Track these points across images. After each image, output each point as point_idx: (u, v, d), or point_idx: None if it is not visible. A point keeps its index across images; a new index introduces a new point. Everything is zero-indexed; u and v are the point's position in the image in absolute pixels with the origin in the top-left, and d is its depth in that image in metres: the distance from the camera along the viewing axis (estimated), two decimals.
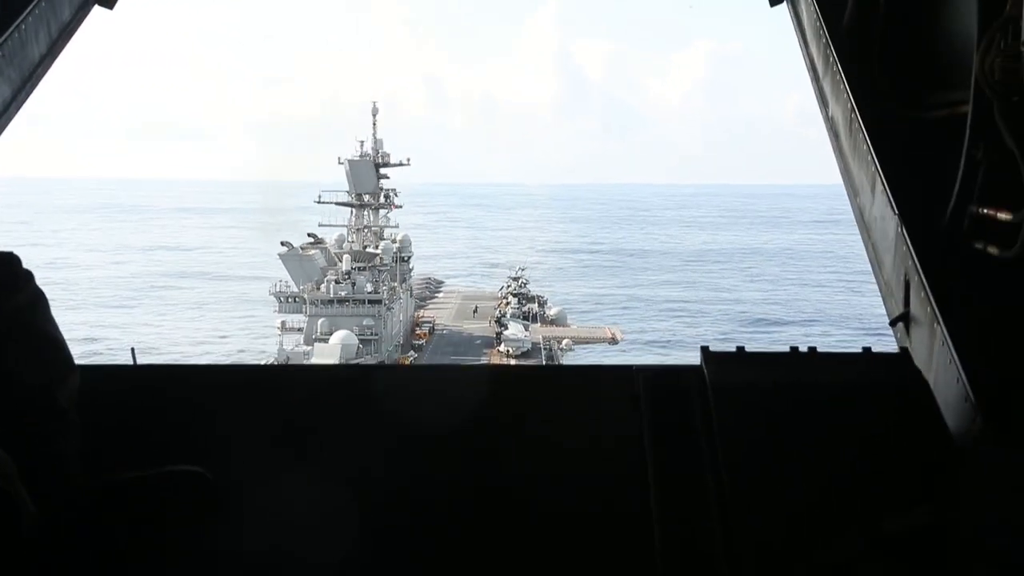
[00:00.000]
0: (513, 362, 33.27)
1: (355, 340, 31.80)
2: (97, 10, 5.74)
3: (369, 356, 31.74)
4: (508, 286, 45.77)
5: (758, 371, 3.40)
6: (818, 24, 5.02)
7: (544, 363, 33.55)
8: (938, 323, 3.42)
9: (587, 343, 38.80)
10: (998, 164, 3.30)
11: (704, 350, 3.43)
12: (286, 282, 35.06)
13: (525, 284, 45.48)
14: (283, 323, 34.52)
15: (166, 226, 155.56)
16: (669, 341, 58.90)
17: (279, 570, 2.99)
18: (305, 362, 30.21)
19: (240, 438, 3.28)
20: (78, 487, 2.65)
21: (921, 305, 3.63)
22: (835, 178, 5.02)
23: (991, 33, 3.18)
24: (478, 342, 37.32)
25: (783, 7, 5.96)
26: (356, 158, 38.53)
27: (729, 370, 3.35)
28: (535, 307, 40.67)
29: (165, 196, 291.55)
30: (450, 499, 3.19)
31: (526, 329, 36.74)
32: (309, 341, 32.52)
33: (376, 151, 38.94)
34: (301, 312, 33.88)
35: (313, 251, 35.18)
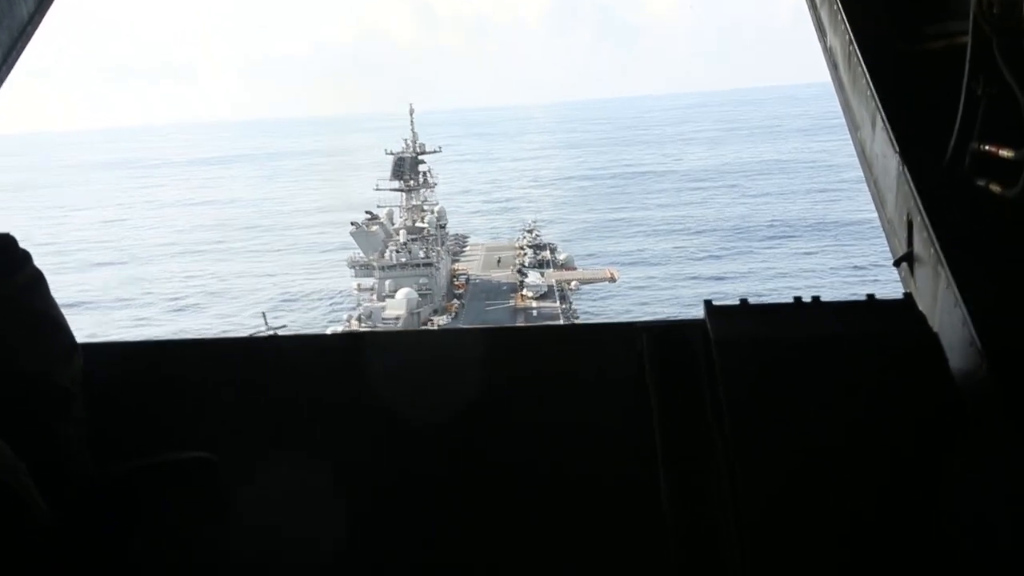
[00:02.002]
0: (534, 304, 43.64)
1: (416, 295, 42.11)
2: None
3: (426, 306, 42.12)
4: (523, 238, 55.83)
5: (762, 324, 3.29)
6: None
7: (557, 304, 43.74)
8: (942, 265, 3.36)
9: (591, 282, 49.10)
10: (998, 99, 3.25)
11: (707, 304, 3.34)
12: (357, 252, 45.72)
13: (538, 236, 55.52)
14: (359, 284, 45.17)
15: (214, 178, 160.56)
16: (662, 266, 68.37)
17: (286, 549, 3.06)
18: (382, 313, 40.73)
19: (241, 414, 3.29)
20: (86, 477, 2.57)
21: (924, 246, 3.57)
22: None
23: None
24: (504, 287, 47.42)
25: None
26: (401, 152, 49.05)
27: (732, 324, 3.24)
28: (547, 254, 50.86)
29: (178, 143, 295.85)
30: (451, 465, 3.21)
31: (542, 275, 46.88)
32: (380, 298, 42.92)
33: (415, 143, 49.41)
34: (372, 276, 44.42)
35: (375, 227, 45.41)
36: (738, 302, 3.39)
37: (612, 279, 48.52)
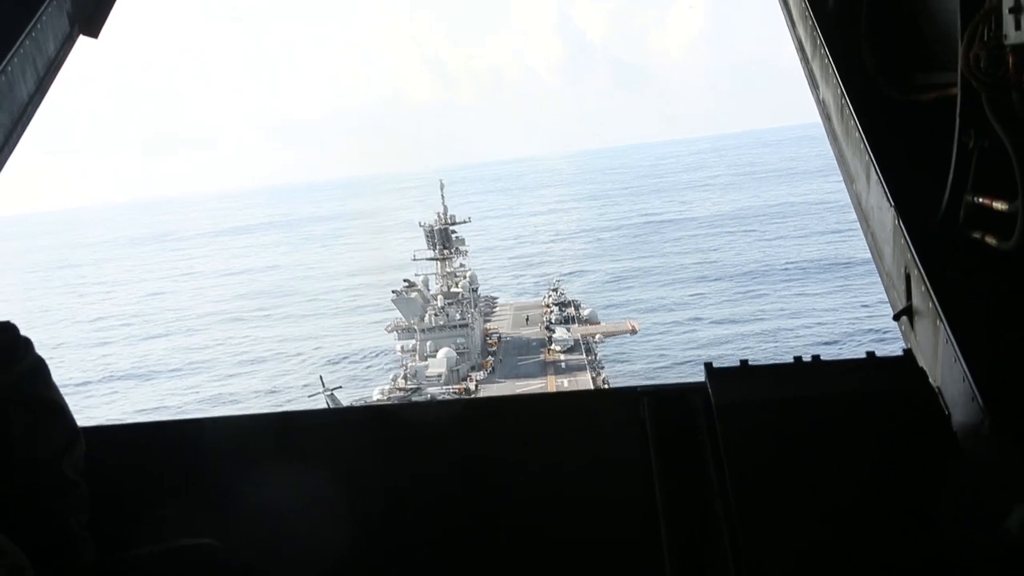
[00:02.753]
0: (563, 357, 47.66)
1: (454, 354, 46.39)
2: (83, 40, 5.72)
3: (464, 363, 46.38)
4: (549, 296, 60.14)
5: (762, 385, 3.31)
6: (803, 4, 4.97)
7: (584, 356, 47.65)
8: (940, 320, 3.35)
9: (613, 335, 53.21)
10: (990, 152, 3.28)
11: (708, 367, 3.38)
12: (398, 316, 50.36)
13: (562, 294, 59.85)
14: (402, 347, 49.62)
15: (247, 246, 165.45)
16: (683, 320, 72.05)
17: None
18: (426, 371, 44.96)
19: (246, 496, 3.24)
20: (89, 566, 2.54)
21: (923, 299, 3.56)
22: None
23: (974, 24, 3.12)
24: (534, 343, 51.53)
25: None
26: (435, 224, 54.04)
27: (733, 387, 3.26)
28: (572, 310, 55.10)
29: (206, 214, 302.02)
30: (459, 528, 3.24)
31: (568, 331, 50.99)
32: (423, 357, 47.20)
33: (446, 214, 54.38)
34: (413, 338, 48.90)
35: (413, 293, 49.94)
36: (738, 363, 3.39)
37: (633, 331, 52.76)
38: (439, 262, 53.43)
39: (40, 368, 2.58)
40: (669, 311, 74.10)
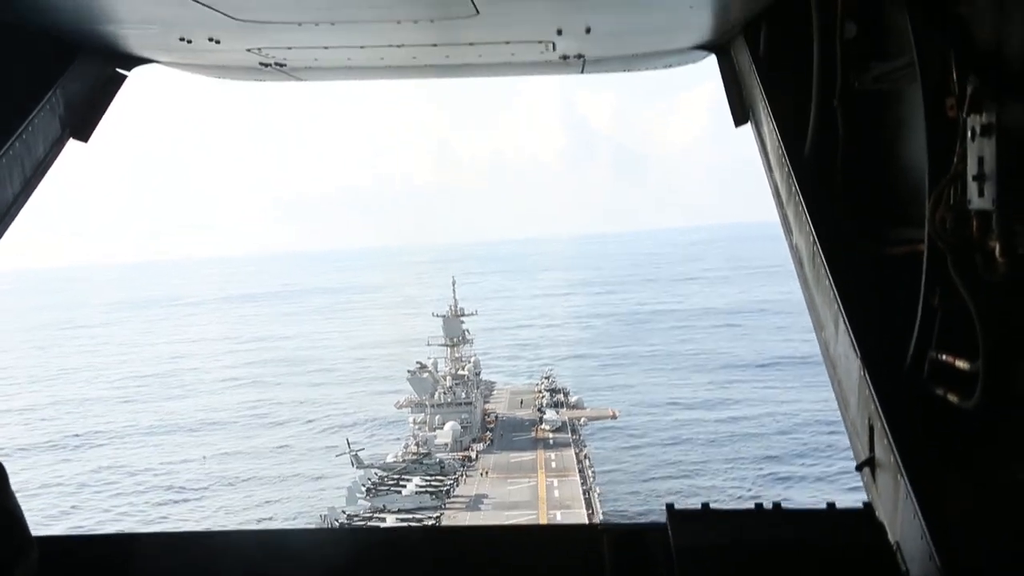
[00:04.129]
0: (551, 435, 54.89)
1: (459, 427, 53.60)
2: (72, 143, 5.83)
3: (466, 436, 53.77)
4: (542, 383, 67.75)
5: (723, 531, 3.31)
6: (780, 152, 5.07)
7: (569, 435, 54.83)
8: (901, 475, 3.34)
9: (597, 419, 60.60)
10: (955, 311, 3.27)
11: (669, 508, 3.39)
12: (410, 394, 58.15)
13: (553, 381, 67.49)
14: (413, 419, 57.14)
15: (251, 315, 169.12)
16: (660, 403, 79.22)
17: None
18: (435, 440, 52.18)
19: None
20: None
21: (885, 452, 3.56)
22: None
23: (941, 187, 3.18)
24: (527, 423, 58.51)
25: (748, 128, 6.08)
26: (447, 315, 62.22)
27: (694, 530, 3.26)
28: (561, 396, 62.48)
29: (206, 279, 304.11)
30: None
31: (557, 413, 58.30)
32: (431, 428, 54.55)
33: (456, 309, 62.57)
34: (423, 412, 56.51)
35: (425, 374, 57.65)
36: (699, 506, 3.42)
37: (614, 416, 60.11)
38: (449, 348, 61.38)
39: None
40: (648, 397, 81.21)
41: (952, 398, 3.36)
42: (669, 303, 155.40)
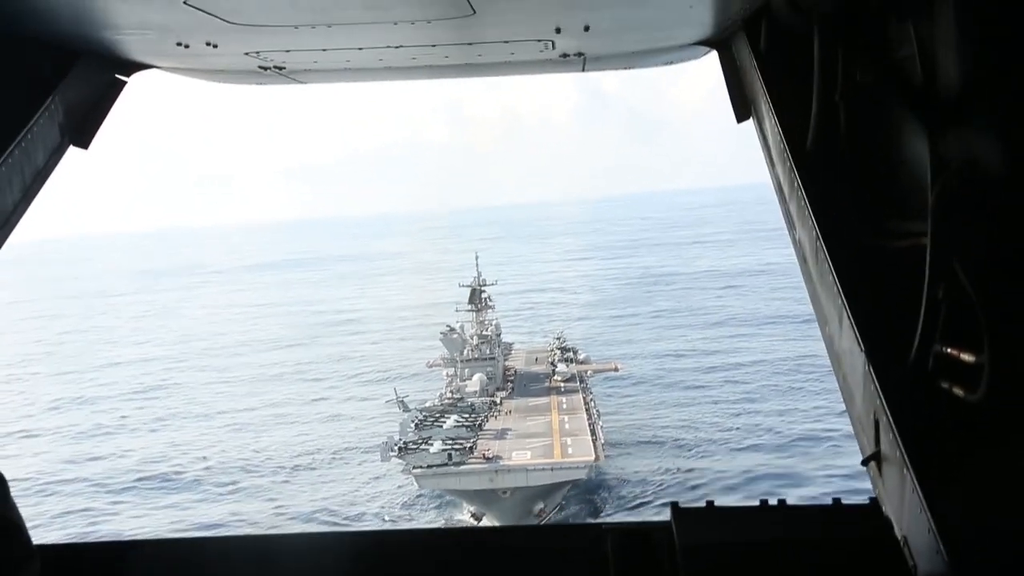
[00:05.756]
0: (562, 384, 64.59)
1: (485, 378, 62.85)
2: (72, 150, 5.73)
3: (491, 385, 63.63)
4: (554, 343, 77.49)
5: (728, 529, 3.34)
6: (783, 147, 5.02)
7: (577, 384, 64.57)
8: (907, 468, 3.33)
9: (601, 372, 70.44)
10: (959, 303, 3.28)
11: (674, 507, 3.39)
12: (442, 352, 68.27)
13: (564, 341, 77.24)
14: (446, 373, 66.94)
15: (282, 282, 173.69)
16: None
17: None
18: (465, 388, 62.09)
19: None
20: None
21: (891, 447, 3.54)
22: None
23: (944, 179, 3.19)
24: (541, 376, 67.64)
25: (750, 124, 6.03)
26: (472, 286, 72.22)
27: (699, 529, 3.28)
28: (571, 355, 72.14)
29: (229, 247, 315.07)
30: None
31: (567, 366, 68.15)
32: (462, 380, 64.11)
33: (479, 279, 72.53)
34: (453, 367, 66.38)
35: (455, 335, 67.47)
36: (704, 504, 3.43)
37: (615, 369, 69.95)
38: (474, 313, 71.52)
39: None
40: (653, 357, 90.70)
41: (958, 391, 3.33)
42: (676, 267, 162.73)
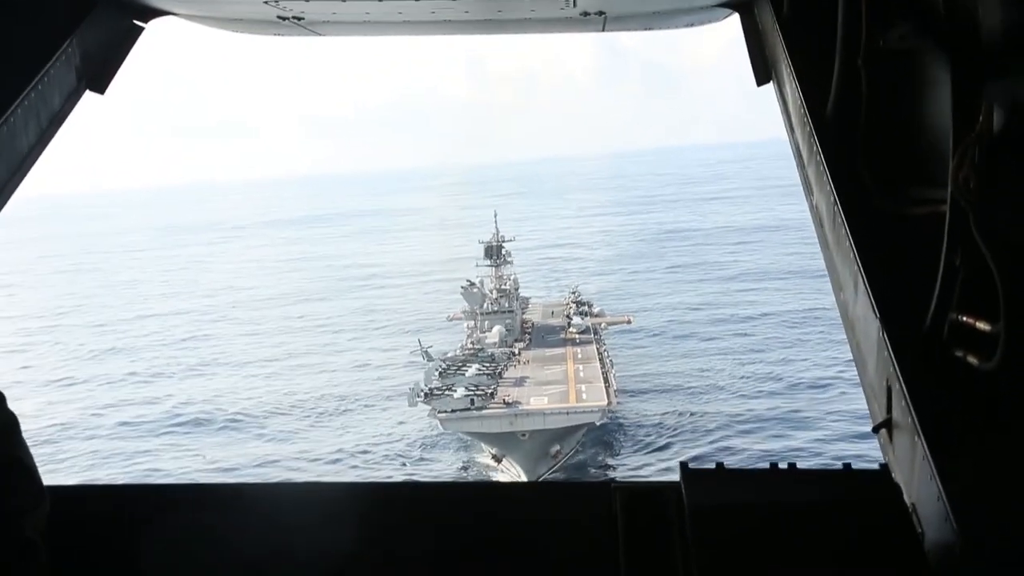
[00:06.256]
0: (577, 336, 67.52)
1: (504, 330, 65.47)
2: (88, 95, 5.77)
3: (510, 336, 66.49)
4: (569, 297, 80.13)
5: (737, 491, 3.33)
6: (802, 111, 4.97)
7: (592, 335, 67.43)
8: (918, 436, 3.36)
9: (615, 323, 73.27)
10: (976, 271, 3.25)
11: (683, 467, 3.39)
12: (463, 306, 71.15)
13: (579, 295, 79.86)
14: (467, 325, 69.74)
15: (301, 237, 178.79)
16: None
17: None
18: (485, 339, 65.03)
19: (203, 567, 3.26)
20: None
21: (902, 414, 3.56)
22: None
23: (964, 146, 3.15)
24: (557, 328, 70.32)
25: (770, 87, 5.95)
26: (491, 243, 74.84)
27: (708, 490, 3.27)
28: (586, 308, 74.86)
29: (248, 202, 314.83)
30: None
31: (582, 319, 70.90)
32: (482, 331, 66.58)
33: (498, 236, 75.22)
34: (474, 319, 69.19)
35: (475, 289, 70.11)
36: (714, 466, 3.44)
37: (628, 322, 72.79)
38: (493, 268, 74.33)
39: (10, 426, 2.53)
40: (664, 310, 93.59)
41: (972, 360, 3.33)
42: (691, 222, 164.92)
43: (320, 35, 7.13)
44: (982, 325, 3.32)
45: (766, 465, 3.45)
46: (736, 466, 3.46)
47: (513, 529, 3.45)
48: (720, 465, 3.46)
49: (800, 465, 3.43)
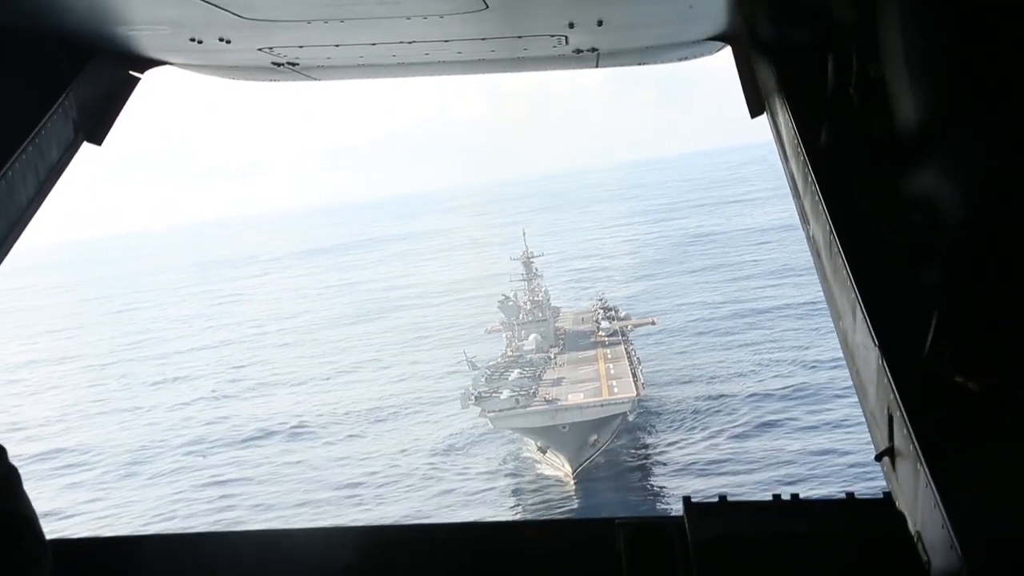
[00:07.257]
0: (606, 339, 73.24)
1: (540, 337, 71.53)
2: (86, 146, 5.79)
3: (545, 343, 72.50)
4: (597, 304, 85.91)
5: (740, 523, 3.33)
6: (796, 141, 5.00)
7: (620, 337, 73.51)
8: (920, 463, 3.33)
9: (640, 325, 79.36)
10: (975, 298, 3.32)
11: (686, 501, 3.39)
12: (500, 318, 77.39)
13: (606, 302, 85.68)
14: (506, 335, 75.65)
15: (336, 266, 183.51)
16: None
17: None
18: (523, 346, 71.37)
19: None
20: None
21: (904, 442, 3.54)
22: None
23: (958, 174, 3.16)
24: (588, 333, 76.48)
25: (764, 119, 5.99)
26: (522, 259, 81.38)
27: (711, 523, 3.28)
28: (613, 313, 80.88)
29: (276, 235, 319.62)
30: None
31: (610, 323, 76.73)
32: (520, 340, 72.78)
33: (527, 253, 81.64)
34: (511, 330, 75.26)
35: (510, 302, 76.50)
36: (716, 499, 3.44)
37: (653, 323, 79.29)
38: (526, 282, 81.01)
39: (11, 478, 2.44)
40: (686, 310, 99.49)
41: (973, 386, 3.31)
42: (713, 226, 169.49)
43: (315, 80, 7.22)
44: (982, 351, 3.39)
45: (769, 496, 3.51)
46: (739, 498, 3.54)
47: (518, 569, 3.55)
48: (723, 498, 3.50)
49: (804, 495, 3.50)
